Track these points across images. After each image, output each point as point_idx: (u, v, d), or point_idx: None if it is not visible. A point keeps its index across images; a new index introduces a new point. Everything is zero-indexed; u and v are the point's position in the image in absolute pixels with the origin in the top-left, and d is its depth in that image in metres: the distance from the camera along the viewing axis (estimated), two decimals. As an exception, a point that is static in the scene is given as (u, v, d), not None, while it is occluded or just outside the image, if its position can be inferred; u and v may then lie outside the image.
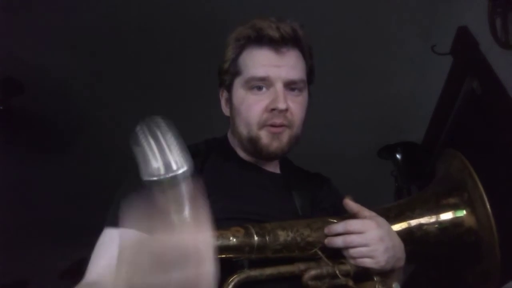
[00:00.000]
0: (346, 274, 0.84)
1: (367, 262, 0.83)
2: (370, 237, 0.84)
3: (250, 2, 1.97)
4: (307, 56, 1.01)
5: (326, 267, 0.84)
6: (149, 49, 2.15)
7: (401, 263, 0.88)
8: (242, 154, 1.02)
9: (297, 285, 0.83)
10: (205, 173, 0.93)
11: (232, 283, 0.79)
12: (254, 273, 0.81)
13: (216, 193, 0.90)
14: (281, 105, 0.92)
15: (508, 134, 1.55)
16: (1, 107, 2.32)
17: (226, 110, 1.03)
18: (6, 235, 2.74)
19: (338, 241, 0.84)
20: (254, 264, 0.82)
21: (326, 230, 0.86)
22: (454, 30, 1.88)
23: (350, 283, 0.84)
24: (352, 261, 0.84)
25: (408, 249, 0.89)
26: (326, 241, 0.85)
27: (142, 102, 2.36)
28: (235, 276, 0.79)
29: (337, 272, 0.84)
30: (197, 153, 0.96)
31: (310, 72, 1.03)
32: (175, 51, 2.16)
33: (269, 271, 0.82)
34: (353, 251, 0.83)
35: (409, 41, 2.13)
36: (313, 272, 0.83)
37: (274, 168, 1.05)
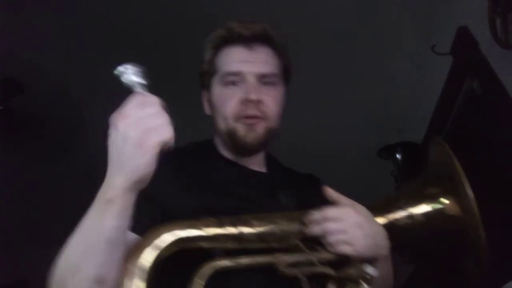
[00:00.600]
0: (326, 262, 0.84)
1: (346, 249, 0.83)
2: (348, 223, 0.84)
3: (250, 3, 1.97)
4: (281, 54, 1.05)
5: (304, 255, 0.83)
6: (149, 49, 2.15)
7: (385, 251, 0.88)
8: (225, 153, 1.04)
9: (275, 275, 0.83)
10: (185, 172, 0.95)
11: (202, 270, 0.79)
12: (229, 262, 0.81)
13: (194, 189, 0.92)
14: (253, 96, 0.96)
15: (508, 134, 1.55)
16: (1, 107, 2.32)
17: (207, 110, 1.08)
18: (6, 235, 2.74)
19: (316, 229, 0.84)
20: (232, 255, 0.82)
21: (304, 219, 0.85)
22: (454, 30, 1.88)
23: (329, 270, 0.84)
24: (331, 249, 0.84)
25: (394, 240, 0.89)
26: (305, 230, 0.85)
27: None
28: (204, 263, 0.80)
29: (315, 260, 0.83)
30: (177, 153, 0.97)
31: (286, 71, 1.07)
32: (176, 51, 2.16)
33: (245, 260, 0.82)
34: (331, 239, 0.83)
35: (409, 41, 2.13)
36: (289, 259, 0.83)
37: (259, 167, 1.05)
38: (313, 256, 0.84)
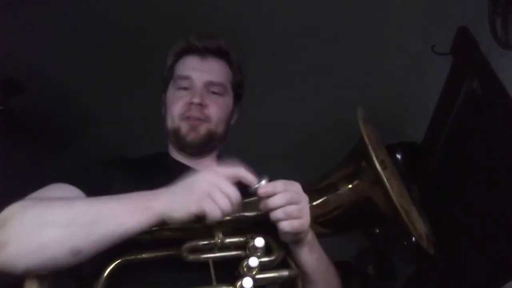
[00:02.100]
0: (228, 247, 0.82)
1: (303, 224, 0.82)
2: (302, 195, 0.84)
3: (248, 2, 1.97)
4: (235, 69, 1.17)
5: (207, 239, 0.81)
6: (149, 49, 2.15)
7: (310, 233, 0.87)
8: (177, 156, 1.12)
9: (185, 265, 0.82)
10: (134, 170, 1.02)
11: (109, 269, 0.80)
12: (133, 257, 0.81)
13: (137, 180, 0.96)
14: (196, 100, 1.06)
15: (508, 134, 1.55)
16: (1, 107, 2.32)
17: (163, 111, 1.17)
18: (6, 235, 2.73)
19: (280, 200, 0.81)
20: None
21: (262, 190, 0.82)
22: (454, 30, 1.88)
23: (238, 254, 0.82)
24: (287, 225, 0.81)
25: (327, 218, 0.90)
26: (263, 205, 0.82)
27: (143, 102, 2.36)
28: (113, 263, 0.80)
29: (218, 241, 0.81)
30: (131, 159, 1.08)
31: (237, 85, 1.18)
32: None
33: (149, 254, 0.81)
34: (290, 209, 0.81)
35: (409, 41, 2.13)
36: (188, 244, 0.81)
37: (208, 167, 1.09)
38: (216, 239, 0.81)
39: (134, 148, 1.14)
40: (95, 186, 0.91)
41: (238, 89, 1.18)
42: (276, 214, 0.81)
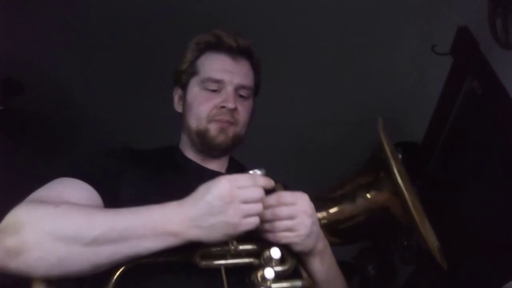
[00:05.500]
0: (241, 254, 0.82)
1: (288, 236, 0.82)
2: (300, 208, 0.83)
3: (249, 3, 1.97)
4: (257, 71, 1.13)
5: (220, 246, 0.81)
6: (149, 49, 2.15)
7: (321, 245, 0.88)
8: (189, 153, 1.09)
9: (196, 270, 0.81)
10: (145, 166, 0.99)
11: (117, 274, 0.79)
12: (142, 260, 0.80)
13: (148, 180, 0.95)
14: (231, 105, 1.03)
15: (508, 134, 1.55)
16: (1, 107, 2.32)
17: (178, 107, 1.14)
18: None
19: (267, 214, 0.82)
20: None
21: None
22: (454, 30, 1.88)
23: (250, 261, 0.82)
24: (271, 237, 0.82)
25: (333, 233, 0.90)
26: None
27: (143, 102, 2.36)
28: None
29: (232, 248, 0.80)
30: (141, 152, 1.06)
31: (256, 86, 1.14)
32: (176, 52, 2.16)
33: (157, 258, 0.80)
34: (278, 224, 0.82)
35: (409, 41, 2.13)
36: (202, 250, 0.80)
37: (219, 167, 1.09)
38: (231, 246, 0.81)
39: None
40: (105, 180, 0.90)
41: (256, 88, 1.15)
42: (263, 226, 0.83)
